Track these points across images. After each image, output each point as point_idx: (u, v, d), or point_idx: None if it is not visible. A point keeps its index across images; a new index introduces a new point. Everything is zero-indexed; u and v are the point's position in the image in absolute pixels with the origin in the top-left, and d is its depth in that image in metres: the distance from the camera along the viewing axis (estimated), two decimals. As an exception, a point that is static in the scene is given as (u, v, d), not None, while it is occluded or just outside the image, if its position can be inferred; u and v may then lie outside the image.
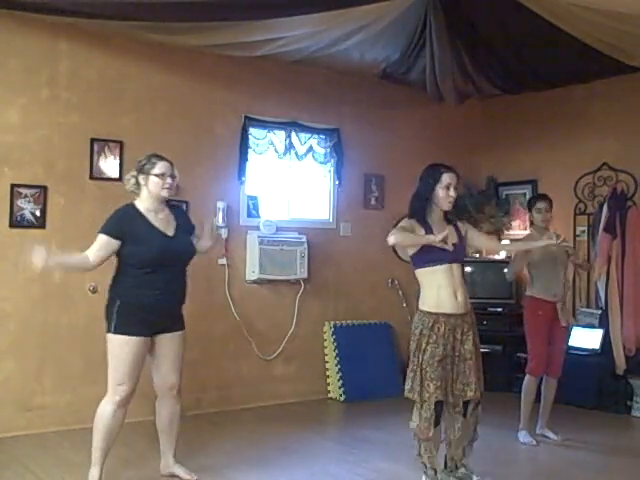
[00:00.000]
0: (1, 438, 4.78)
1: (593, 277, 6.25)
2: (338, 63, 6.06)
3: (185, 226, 3.99)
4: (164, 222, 3.88)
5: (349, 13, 4.79)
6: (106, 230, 3.79)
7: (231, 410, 5.74)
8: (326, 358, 6.44)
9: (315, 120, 6.37)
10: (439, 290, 3.67)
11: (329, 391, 6.39)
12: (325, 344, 6.44)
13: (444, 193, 3.71)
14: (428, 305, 3.69)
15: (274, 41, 5.26)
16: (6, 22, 4.89)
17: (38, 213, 5.06)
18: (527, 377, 5.01)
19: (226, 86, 5.89)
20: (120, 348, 3.74)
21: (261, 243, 5.92)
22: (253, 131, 6.06)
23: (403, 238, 3.65)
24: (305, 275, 6.21)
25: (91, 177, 5.29)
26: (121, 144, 5.38)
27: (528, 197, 6.18)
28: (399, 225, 3.73)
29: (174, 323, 3.92)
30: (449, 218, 3.83)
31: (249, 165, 6.05)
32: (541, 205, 5.06)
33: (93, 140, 5.28)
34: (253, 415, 5.68)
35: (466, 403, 3.73)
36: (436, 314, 3.65)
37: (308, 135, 6.35)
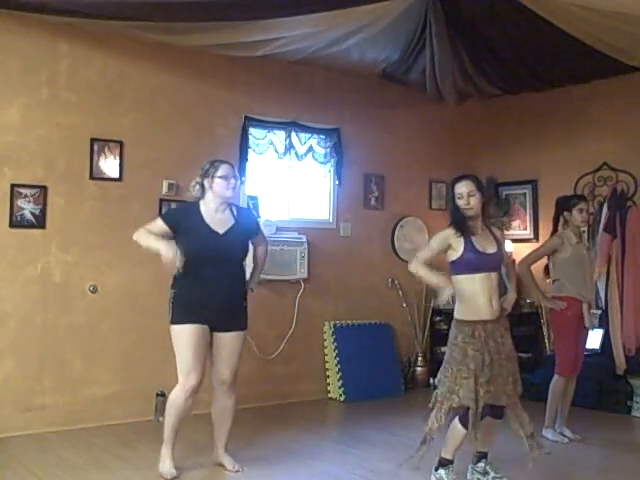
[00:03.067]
0: (1, 438, 4.78)
1: (593, 277, 6.24)
2: (338, 63, 6.05)
3: (243, 226, 4.15)
4: (221, 221, 4.06)
5: (349, 13, 4.80)
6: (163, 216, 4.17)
7: (231, 410, 5.74)
8: (326, 358, 6.44)
9: (315, 120, 6.37)
10: (476, 298, 3.70)
11: (329, 391, 6.39)
12: (325, 344, 6.44)
13: (460, 203, 3.77)
14: (465, 314, 3.74)
15: (274, 41, 5.26)
16: (6, 22, 4.89)
17: (38, 213, 5.06)
18: (556, 377, 5.02)
19: (226, 86, 5.89)
20: (178, 337, 4.00)
21: (261, 243, 5.92)
22: (253, 131, 6.06)
23: (424, 272, 3.76)
24: (305, 275, 6.21)
25: (91, 177, 5.29)
26: (121, 144, 5.38)
27: (558, 198, 5.43)
28: (432, 243, 3.85)
29: (229, 321, 4.11)
30: (487, 225, 3.87)
31: (249, 165, 6.05)
32: (583, 205, 5.06)
33: (93, 140, 5.28)
34: (253, 415, 5.67)
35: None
36: (474, 322, 3.70)
37: (308, 135, 6.34)
